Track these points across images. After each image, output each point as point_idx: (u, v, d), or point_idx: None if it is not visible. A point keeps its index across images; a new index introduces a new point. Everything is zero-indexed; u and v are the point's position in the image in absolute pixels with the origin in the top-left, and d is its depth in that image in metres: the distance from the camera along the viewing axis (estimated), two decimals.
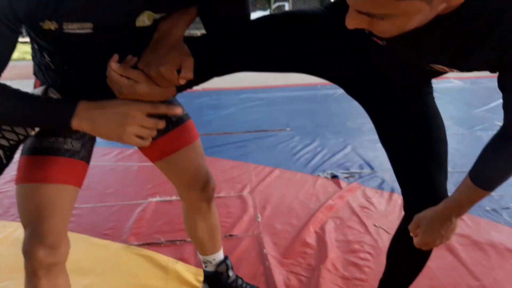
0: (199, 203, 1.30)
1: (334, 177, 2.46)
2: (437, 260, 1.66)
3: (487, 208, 2.04)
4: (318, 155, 2.82)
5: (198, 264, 1.69)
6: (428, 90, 1.08)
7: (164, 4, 0.89)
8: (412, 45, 0.80)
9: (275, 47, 0.97)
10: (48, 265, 1.00)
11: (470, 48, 0.74)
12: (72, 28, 0.84)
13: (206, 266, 1.47)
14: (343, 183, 2.38)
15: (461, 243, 1.76)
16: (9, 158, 0.97)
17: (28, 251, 0.97)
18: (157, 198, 2.23)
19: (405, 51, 0.86)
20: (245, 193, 2.29)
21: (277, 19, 0.99)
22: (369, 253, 1.74)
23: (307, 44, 0.98)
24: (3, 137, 0.94)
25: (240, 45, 0.97)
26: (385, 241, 1.80)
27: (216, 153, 2.86)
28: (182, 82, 0.91)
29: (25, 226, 1.00)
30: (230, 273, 1.45)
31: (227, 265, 1.45)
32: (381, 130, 1.08)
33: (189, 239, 1.85)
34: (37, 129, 0.99)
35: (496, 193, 2.17)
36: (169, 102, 1.21)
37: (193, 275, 1.62)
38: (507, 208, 2.05)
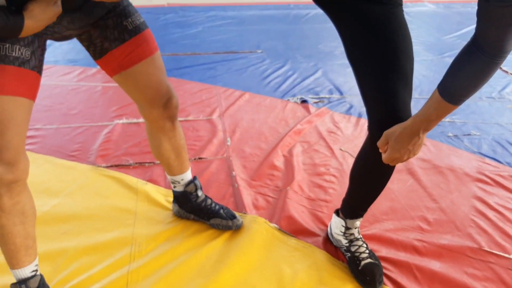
0: (163, 122, 1.27)
1: (303, 102, 2.46)
2: (398, 183, 1.75)
3: (449, 134, 2.13)
4: (289, 79, 2.78)
5: (167, 186, 1.71)
6: (398, 2, 1.05)
7: None
8: None
9: None
10: (8, 182, 0.98)
11: None
12: None
13: (174, 187, 1.48)
14: (312, 108, 2.39)
15: (422, 167, 1.85)
16: None
17: None
18: (124, 120, 2.18)
19: None
20: (214, 116, 2.27)
21: None
22: (334, 175, 1.80)
23: None
24: None
25: None
26: (350, 164, 1.86)
27: (184, 74, 2.77)
28: None
29: None
30: (199, 193, 1.48)
31: (195, 185, 1.47)
32: (349, 45, 1.06)
33: (158, 162, 1.85)
34: None
35: (458, 120, 2.25)
36: (126, 6, 1.13)
37: (163, 195, 1.65)
38: (468, 134, 2.14)
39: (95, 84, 2.58)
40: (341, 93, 2.60)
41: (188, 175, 1.47)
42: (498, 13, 0.75)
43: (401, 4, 1.05)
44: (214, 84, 2.65)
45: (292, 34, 3.73)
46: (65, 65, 2.75)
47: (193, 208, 1.48)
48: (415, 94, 2.48)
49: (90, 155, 1.90)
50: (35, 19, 0.90)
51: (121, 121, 2.17)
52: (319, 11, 1.08)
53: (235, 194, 1.67)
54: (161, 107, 1.23)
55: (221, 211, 1.47)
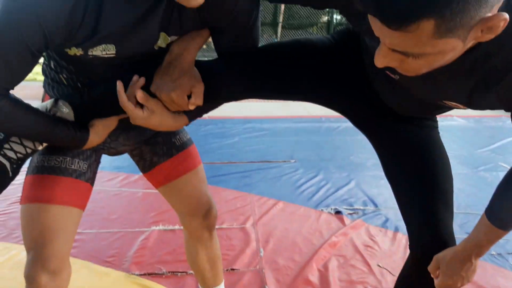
0: (201, 231, 1.30)
1: (337, 212, 2.46)
2: None
3: (493, 252, 2.03)
4: (322, 189, 2.82)
5: None
6: (434, 125, 1.08)
7: (177, 28, 0.91)
8: (428, 81, 0.79)
9: (282, 73, 0.98)
10: None
11: (486, 87, 0.74)
12: (96, 52, 0.87)
13: None
14: (347, 220, 2.37)
15: None
16: (15, 172, 0.97)
17: (31, 276, 0.97)
18: (160, 227, 2.23)
19: (419, 87, 0.85)
20: (248, 225, 2.28)
21: (286, 45, 1.01)
22: None
23: (314, 71, 0.99)
24: (11, 149, 0.95)
25: (249, 70, 0.98)
26: (389, 282, 1.79)
27: (220, 182, 2.86)
28: (192, 107, 0.94)
29: (28, 250, 1.00)
30: None
31: None
32: (387, 164, 1.08)
33: (190, 271, 1.84)
34: (45, 144, 1.00)
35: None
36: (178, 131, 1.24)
37: None
38: None
39: (136, 190, 2.70)
40: (375, 205, 2.58)
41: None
42: None
43: (436, 127, 1.09)
44: (248, 192, 2.72)
45: (324, 145, 3.86)
46: (110, 171, 2.92)
47: None
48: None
49: (125, 262, 1.91)
50: (99, 134, 1.01)
51: (157, 228, 2.22)
52: (350, 124, 1.14)
53: None
54: (201, 217, 1.26)
55: None
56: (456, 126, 4.73)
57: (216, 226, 2.19)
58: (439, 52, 0.63)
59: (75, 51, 0.87)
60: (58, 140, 0.96)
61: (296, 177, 3.03)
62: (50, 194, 1.00)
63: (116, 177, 2.88)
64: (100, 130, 1.01)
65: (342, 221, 2.35)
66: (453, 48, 0.62)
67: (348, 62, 0.99)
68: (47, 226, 0.98)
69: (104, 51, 0.87)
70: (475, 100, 0.78)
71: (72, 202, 1.03)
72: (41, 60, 0.95)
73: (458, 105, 0.85)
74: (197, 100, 0.92)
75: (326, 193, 2.76)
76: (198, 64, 0.96)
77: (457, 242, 0.96)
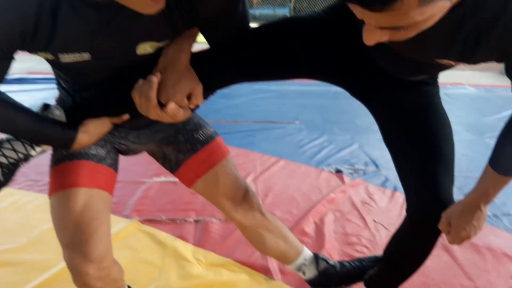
0: (252, 216, 1.21)
1: (338, 171, 2.47)
2: (433, 259, 1.66)
3: (488, 213, 2.04)
4: (325, 149, 2.83)
5: (196, 243, 1.72)
6: (433, 90, 1.06)
7: (167, 33, 0.88)
8: (419, 42, 0.78)
9: (275, 54, 0.98)
10: (99, 277, 0.97)
11: (475, 40, 0.73)
12: (69, 58, 0.86)
13: (304, 273, 1.34)
14: (347, 178, 2.39)
15: None
16: (7, 177, 0.95)
17: (75, 268, 0.94)
18: (162, 178, 2.27)
19: (410, 48, 0.85)
20: (248, 180, 2.31)
21: (275, 26, 1.00)
22: (366, 246, 1.75)
23: (306, 48, 0.98)
24: (3, 155, 0.94)
25: (242, 56, 0.98)
26: (383, 236, 1.82)
27: (224, 140, 2.87)
28: (192, 107, 0.96)
29: (65, 245, 0.95)
30: (332, 262, 1.35)
31: (323, 259, 1.35)
32: (385, 131, 1.07)
33: (189, 219, 1.89)
34: (38, 149, 0.98)
35: (498, 199, 2.16)
36: (195, 123, 1.19)
37: (191, 252, 1.66)
38: (508, 214, 2.04)
39: None
40: (376, 166, 2.59)
41: (307, 252, 1.35)
42: None
43: (437, 92, 1.07)
44: (251, 150, 2.74)
45: (331, 109, 3.84)
46: None
47: (339, 280, 1.35)
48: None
49: (126, 209, 1.97)
50: (89, 133, 0.97)
51: (159, 179, 2.26)
52: None
53: (262, 256, 1.65)
54: (242, 201, 1.19)
55: (363, 263, 1.35)
56: (466, 94, 4.65)
57: None
58: (429, 17, 0.62)
59: (45, 55, 0.85)
60: (45, 138, 0.94)
61: (299, 138, 3.04)
62: (76, 179, 0.97)
63: None
64: (90, 130, 0.98)
65: (342, 179, 2.37)
66: (441, 9, 0.62)
67: (341, 35, 0.97)
68: (80, 214, 0.95)
69: (78, 57, 0.86)
70: (466, 55, 0.78)
71: (99, 184, 1.00)
72: None
73: (451, 62, 0.84)
74: (198, 100, 0.94)
75: (328, 153, 2.77)
76: (192, 58, 0.95)
77: None
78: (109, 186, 1.03)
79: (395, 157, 1.06)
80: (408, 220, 1.06)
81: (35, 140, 0.96)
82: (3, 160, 0.93)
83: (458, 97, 4.41)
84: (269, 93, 4.31)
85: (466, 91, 4.81)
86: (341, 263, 1.37)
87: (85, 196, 0.96)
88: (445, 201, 0.98)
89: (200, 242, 1.73)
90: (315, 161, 2.64)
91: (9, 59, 0.83)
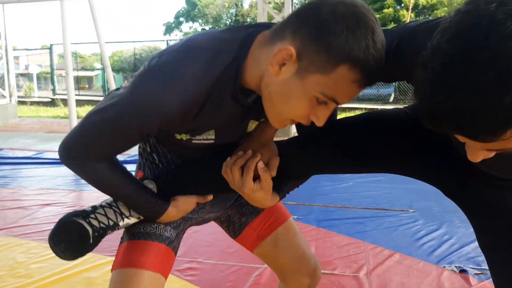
0: None
1: (462, 271, 2.24)
2: None
3: None
4: (445, 244, 2.61)
5: None
6: None
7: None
8: None
9: (363, 147, 0.98)
10: None
11: None
12: (199, 139, 0.94)
13: None
14: (473, 280, 2.15)
15: None
16: (96, 240, 0.99)
17: None
18: None
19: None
20: (361, 274, 2.21)
21: (364, 119, 1.01)
22: None
23: (395, 143, 0.97)
24: (96, 218, 1.00)
25: (325, 148, 1.00)
26: None
27: (332, 226, 2.84)
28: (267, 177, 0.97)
29: None
30: None
31: None
32: (481, 234, 0.99)
33: None
34: (126, 220, 1.03)
35: None
36: None
37: None
38: None
39: None
40: None
41: None
42: None
43: None
44: (362, 240, 2.64)
45: None
46: None
47: None
48: None
49: None
50: (178, 209, 1.03)
51: None
52: None
53: None
54: (307, 276, 1.19)
55: None
56: None
57: (328, 272, 2.19)
58: None
59: (183, 136, 0.92)
60: (139, 204, 0.99)
61: (415, 229, 2.86)
62: (144, 260, 0.99)
63: None
64: (179, 205, 1.03)
65: (467, 280, 2.14)
66: None
67: (428, 134, 0.97)
68: None
69: (206, 138, 0.93)
70: None
71: (161, 269, 1.02)
72: None
73: None
74: (272, 171, 0.96)
75: (449, 248, 2.55)
76: (277, 143, 1.03)
77: None
78: (167, 270, 1.05)
79: (491, 264, 0.95)
80: None
81: (131, 205, 1.01)
82: (96, 223, 0.99)
83: None
84: (377, 176, 4.20)
85: None
86: None
87: (147, 278, 0.98)
88: None
89: None
90: (434, 257, 2.43)
91: (143, 139, 0.93)
